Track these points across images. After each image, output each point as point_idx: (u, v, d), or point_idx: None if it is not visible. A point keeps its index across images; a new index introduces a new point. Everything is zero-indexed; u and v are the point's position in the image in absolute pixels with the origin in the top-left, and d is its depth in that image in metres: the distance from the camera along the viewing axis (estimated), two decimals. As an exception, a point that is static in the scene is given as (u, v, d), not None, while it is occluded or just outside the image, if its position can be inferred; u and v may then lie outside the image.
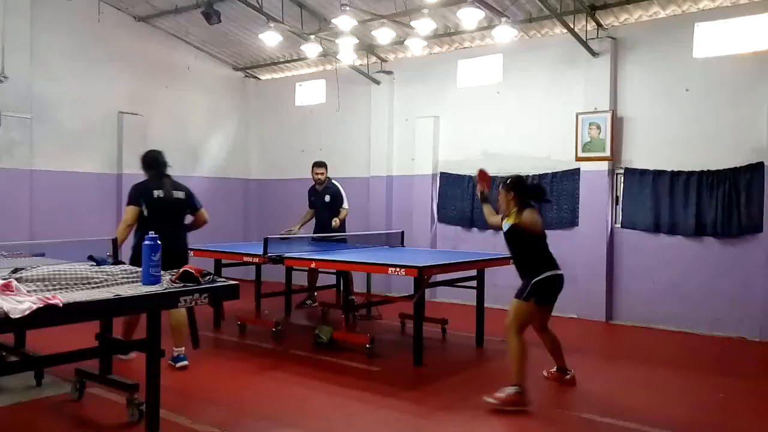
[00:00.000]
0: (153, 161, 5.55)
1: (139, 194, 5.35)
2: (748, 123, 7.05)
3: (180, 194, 5.52)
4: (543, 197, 5.03)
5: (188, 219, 5.74)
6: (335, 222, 7.83)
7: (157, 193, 5.36)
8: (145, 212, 5.31)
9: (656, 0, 7.36)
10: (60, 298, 2.92)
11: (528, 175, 8.50)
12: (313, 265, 6.25)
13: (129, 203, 5.37)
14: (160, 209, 5.34)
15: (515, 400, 4.43)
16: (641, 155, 7.78)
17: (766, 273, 6.81)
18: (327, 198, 8.09)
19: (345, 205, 8.09)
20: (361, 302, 7.47)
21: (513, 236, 4.81)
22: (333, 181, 8.25)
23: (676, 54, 7.54)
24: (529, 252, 4.78)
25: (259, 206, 11.78)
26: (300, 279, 8.32)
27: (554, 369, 5.18)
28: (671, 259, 7.51)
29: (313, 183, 8.29)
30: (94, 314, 3.30)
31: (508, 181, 4.86)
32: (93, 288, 3.32)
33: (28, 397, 4.55)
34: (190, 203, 5.61)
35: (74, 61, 9.14)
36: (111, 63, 9.56)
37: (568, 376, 5.11)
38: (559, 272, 4.77)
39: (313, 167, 8.23)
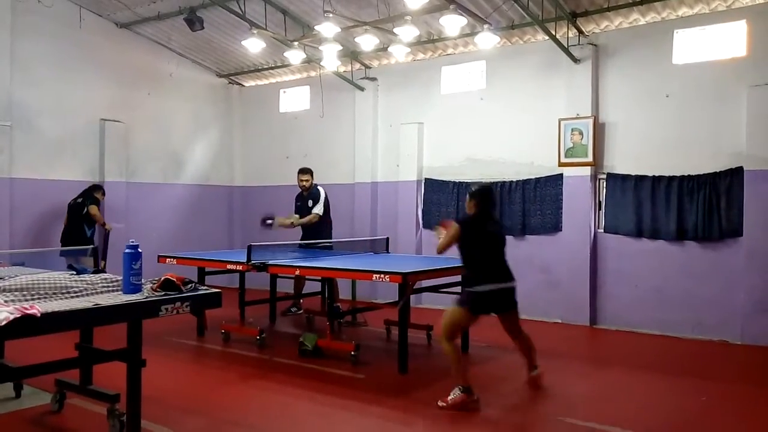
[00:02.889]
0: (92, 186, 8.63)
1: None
2: (727, 128, 7.15)
3: (79, 200, 8.25)
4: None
5: None
6: (291, 220, 7.93)
7: (70, 201, 8.32)
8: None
9: (636, 7, 7.45)
10: (38, 308, 2.87)
11: (512, 181, 8.58)
12: (297, 272, 6.22)
13: None
14: (68, 210, 8.28)
15: (462, 401, 4.48)
16: (623, 160, 7.86)
17: (747, 276, 6.90)
18: (310, 203, 8.05)
19: (317, 209, 7.98)
20: (346, 309, 7.45)
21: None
22: (318, 187, 8.18)
23: (656, 60, 7.63)
24: (466, 262, 4.84)
25: (243, 214, 11.70)
26: (286, 286, 8.29)
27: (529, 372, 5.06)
28: (653, 263, 7.58)
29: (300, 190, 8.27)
30: (73, 324, 3.24)
31: (472, 188, 5.14)
32: (72, 297, 3.28)
33: (6, 409, 4.48)
34: (84, 204, 8.19)
35: (55, 68, 9.06)
36: (92, 70, 9.49)
37: (534, 372, 5.02)
38: (499, 287, 4.74)
39: (297, 174, 8.22)
